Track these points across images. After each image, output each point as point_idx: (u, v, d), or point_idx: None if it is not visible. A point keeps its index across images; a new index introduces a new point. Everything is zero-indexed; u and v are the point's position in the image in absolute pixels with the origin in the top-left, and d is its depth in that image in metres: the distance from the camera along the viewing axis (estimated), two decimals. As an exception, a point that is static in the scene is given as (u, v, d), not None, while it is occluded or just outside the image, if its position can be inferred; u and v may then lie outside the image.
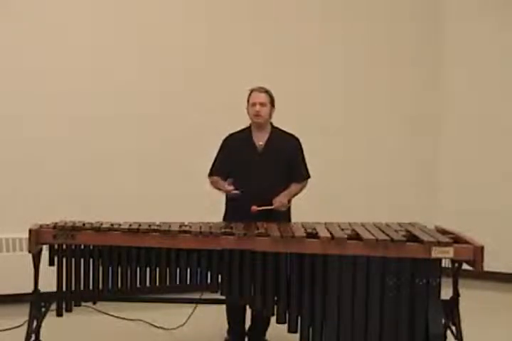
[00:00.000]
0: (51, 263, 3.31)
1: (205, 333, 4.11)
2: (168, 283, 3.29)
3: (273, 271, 3.22)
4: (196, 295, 3.69)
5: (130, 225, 3.32)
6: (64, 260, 3.31)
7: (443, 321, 3.25)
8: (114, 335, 4.09)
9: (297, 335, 3.24)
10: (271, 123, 3.80)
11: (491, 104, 5.50)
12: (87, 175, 4.75)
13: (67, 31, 4.70)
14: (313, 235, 3.22)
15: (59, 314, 3.37)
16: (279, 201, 3.63)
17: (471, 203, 5.46)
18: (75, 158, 4.72)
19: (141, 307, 4.07)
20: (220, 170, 3.74)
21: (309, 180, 3.85)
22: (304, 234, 3.21)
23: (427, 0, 5.60)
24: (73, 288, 3.32)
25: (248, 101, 3.73)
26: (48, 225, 3.32)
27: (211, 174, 3.80)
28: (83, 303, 3.41)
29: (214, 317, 4.04)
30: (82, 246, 3.30)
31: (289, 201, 3.75)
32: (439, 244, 3.09)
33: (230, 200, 3.74)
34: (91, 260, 3.30)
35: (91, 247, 3.30)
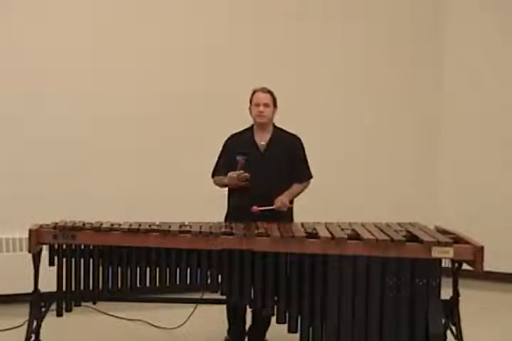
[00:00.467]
0: (51, 263, 3.31)
1: (205, 333, 4.11)
2: (168, 283, 3.30)
3: (273, 271, 3.22)
4: (196, 295, 3.69)
5: (130, 225, 3.32)
6: (64, 260, 3.31)
7: (443, 321, 3.25)
8: (114, 335, 4.09)
9: (297, 335, 3.24)
10: (273, 124, 3.80)
11: (491, 104, 5.50)
12: (87, 175, 4.75)
13: (67, 31, 4.70)
14: (313, 235, 3.22)
15: (59, 314, 3.37)
16: (280, 201, 3.63)
17: (471, 203, 5.46)
18: (75, 157, 4.72)
19: (141, 307, 4.06)
20: (222, 170, 3.74)
21: (310, 180, 3.85)
22: (304, 234, 3.21)
23: (427, 0, 5.60)
24: (73, 288, 3.32)
25: (251, 101, 3.73)
26: (48, 225, 3.33)
27: (214, 175, 3.80)
28: (83, 303, 3.41)
29: (214, 317, 4.04)
30: (82, 246, 3.31)
31: (291, 201, 3.75)
32: (439, 244, 3.09)
33: (234, 196, 3.73)
34: (91, 260, 3.31)
35: (91, 247, 3.31)
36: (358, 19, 5.39)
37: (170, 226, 3.31)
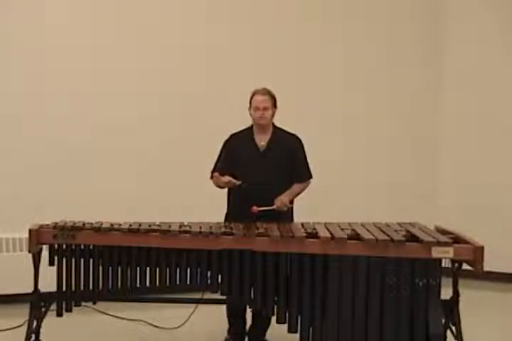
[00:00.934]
0: (51, 263, 3.31)
1: (205, 333, 4.11)
2: (168, 283, 3.30)
3: (273, 271, 3.22)
4: (196, 295, 3.69)
5: (130, 225, 3.32)
6: (64, 260, 3.31)
7: (443, 321, 3.25)
8: (114, 335, 4.09)
9: (297, 335, 3.24)
10: (273, 123, 3.80)
11: (491, 104, 5.50)
12: (87, 175, 4.74)
13: (67, 31, 4.70)
14: (313, 235, 3.22)
15: (59, 314, 3.37)
16: (280, 201, 3.63)
17: (471, 203, 5.45)
18: (74, 157, 4.72)
19: (141, 307, 4.06)
20: (222, 170, 3.74)
21: (310, 180, 3.85)
22: (304, 234, 3.21)
23: (427, 0, 5.59)
24: (73, 288, 3.32)
25: (250, 102, 3.72)
26: (47, 225, 3.33)
27: (213, 175, 3.80)
28: (83, 303, 3.41)
29: (214, 317, 4.04)
30: (82, 246, 3.31)
31: (291, 201, 3.75)
32: (439, 244, 3.10)
33: (234, 195, 3.73)
34: (91, 260, 3.31)
35: (91, 247, 3.31)
36: (358, 19, 5.39)
37: (170, 226, 3.31)
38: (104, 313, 4.28)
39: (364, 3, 5.42)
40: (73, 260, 3.31)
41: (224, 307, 3.85)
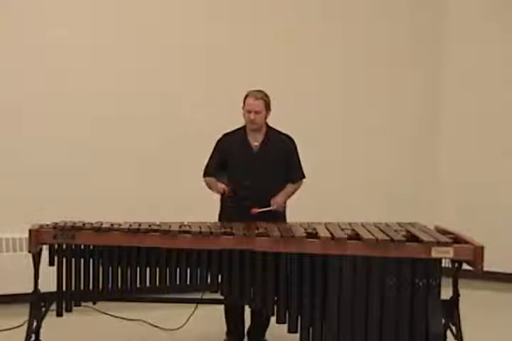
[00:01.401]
0: (51, 263, 3.31)
1: (205, 333, 4.11)
2: (168, 283, 3.30)
3: (273, 271, 3.22)
4: (196, 295, 3.69)
5: (130, 225, 3.32)
6: (64, 260, 3.31)
7: (443, 321, 3.25)
8: (114, 335, 4.09)
9: (297, 335, 3.24)
10: (266, 123, 3.78)
11: (491, 104, 5.50)
12: (87, 175, 4.74)
13: (67, 31, 4.69)
14: (313, 235, 3.22)
15: (59, 314, 3.37)
16: (277, 202, 3.63)
17: (471, 203, 5.45)
18: (74, 157, 4.72)
19: (141, 307, 4.06)
20: (215, 171, 3.74)
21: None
22: (304, 234, 3.21)
23: (427, 0, 5.59)
24: (73, 288, 3.32)
25: (244, 103, 3.71)
26: (48, 225, 3.33)
27: (206, 175, 3.79)
28: (83, 303, 3.40)
29: (214, 317, 4.03)
30: (82, 246, 3.31)
31: (285, 202, 3.75)
32: (439, 244, 3.10)
33: (225, 199, 3.73)
34: (91, 260, 3.31)
35: (91, 247, 3.31)
36: (358, 19, 5.39)
37: (170, 226, 3.31)
38: (104, 313, 4.28)
39: (364, 3, 5.42)
40: (73, 260, 3.31)
41: (223, 307, 3.85)
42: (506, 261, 5.29)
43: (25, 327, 3.40)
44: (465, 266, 3.21)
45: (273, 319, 3.30)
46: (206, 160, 3.82)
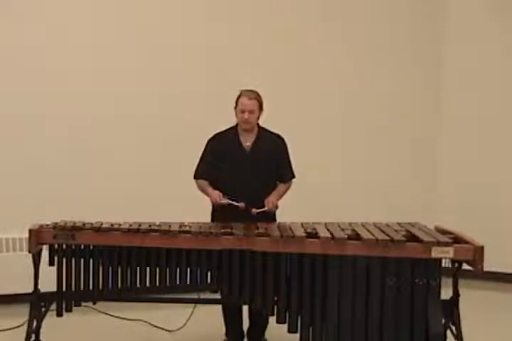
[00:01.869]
0: (51, 263, 3.31)
1: (205, 333, 4.11)
2: (168, 283, 3.30)
3: (273, 271, 3.22)
4: (196, 296, 3.69)
5: (130, 225, 3.32)
6: (64, 260, 3.31)
7: (443, 321, 3.25)
8: (114, 335, 4.09)
9: (297, 335, 3.24)
10: (257, 123, 3.77)
11: (491, 104, 5.50)
12: (87, 175, 4.74)
13: (67, 31, 4.69)
14: (313, 235, 3.22)
15: (59, 314, 3.37)
16: (271, 202, 3.63)
17: (471, 203, 5.45)
18: (74, 157, 4.72)
19: (141, 307, 4.07)
20: (206, 172, 3.73)
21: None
22: (304, 234, 3.21)
23: (427, 0, 5.59)
24: (73, 288, 3.32)
25: (236, 103, 3.70)
26: (48, 225, 3.33)
27: (197, 176, 3.78)
28: (83, 303, 3.40)
29: (214, 317, 4.03)
30: (82, 246, 3.31)
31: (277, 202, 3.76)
32: (439, 244, 3.09)
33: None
34: (91, 260, 3.31)
35: (91, 247, 3.31)
36: (358, 19, 5.39)
37: (170, 226, 3.31)
38: (104, 313, 4.28)
39: (364, 3, 5.42)
40: (73, 260, 3.31)
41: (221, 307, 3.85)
42: (506, 261, 5.29)
43: (25, 327, 3.40)
44: (465, 266, 3.21)
45: (273, 319, 3.30)
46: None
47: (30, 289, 3.38)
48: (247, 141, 3.72)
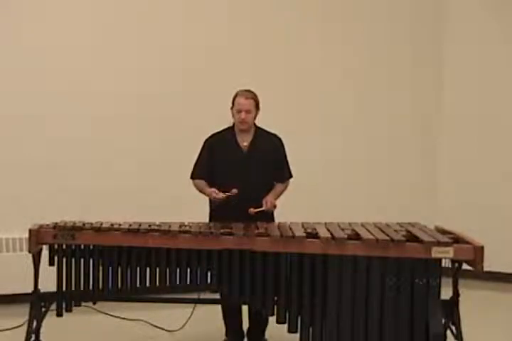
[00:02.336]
0: (51, 263, 3.31)
1: (205, 333, 4.11)
2: (168, 283, 3.29)
3: (273, 271, 3.22)
4: (196, 296, 3.69)
5: (130, 225, 3.32)
6: (64, 260, 3.31)
7: (443, 321, 3.25)
8: (114, 335, 4.09)
9: (297, 335, 3.24)
10: (254, 123, 3.77)
11: (491, 104, 5.50)
12: (87, 175, 4.74)
13: (67, 31, 4.69)
14: (313, 235, 3.22)
15: (59, 314, 3.37)
16: (269, 202, 3.63)
17: (471, 203, 5.45)
18: (74, 157, 4.72)
19: (141, 307, 4.06)
20: (203, 172, 3.73)
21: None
22: (304, 234, 3.21)
23: (427, 0, 5.59)
24: (73, 288, 3.32)
25: (233, 103, 3.70)
26: (48, 225, 3.33)
27: (194, 176, 3.78)
28: (83, 303, 3.40)
29: (214, 317, 4.03)
30: (82, 246, 3.31)
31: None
32: (439, 244, 3.09)
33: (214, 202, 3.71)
34: (91, 260, 3.31)
35: (91, 247, 3.31)
36: (358, 19, 5.39)
37: (170, 227, 3.31)
38: (104, 313, 4.28)
39: (364, 3, 5.42)
40: (73, 260, 3.31)
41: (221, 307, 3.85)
42: (506, 261, 5.29)
43: (25, 327, 3.40)
44: (465, 266, 3.21)
45: (273, 319, 3.30)
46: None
47: (30, 289, 3.38)
48: (244, 141, 3.72)
